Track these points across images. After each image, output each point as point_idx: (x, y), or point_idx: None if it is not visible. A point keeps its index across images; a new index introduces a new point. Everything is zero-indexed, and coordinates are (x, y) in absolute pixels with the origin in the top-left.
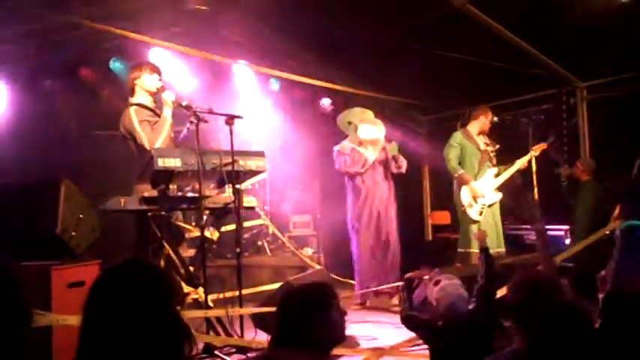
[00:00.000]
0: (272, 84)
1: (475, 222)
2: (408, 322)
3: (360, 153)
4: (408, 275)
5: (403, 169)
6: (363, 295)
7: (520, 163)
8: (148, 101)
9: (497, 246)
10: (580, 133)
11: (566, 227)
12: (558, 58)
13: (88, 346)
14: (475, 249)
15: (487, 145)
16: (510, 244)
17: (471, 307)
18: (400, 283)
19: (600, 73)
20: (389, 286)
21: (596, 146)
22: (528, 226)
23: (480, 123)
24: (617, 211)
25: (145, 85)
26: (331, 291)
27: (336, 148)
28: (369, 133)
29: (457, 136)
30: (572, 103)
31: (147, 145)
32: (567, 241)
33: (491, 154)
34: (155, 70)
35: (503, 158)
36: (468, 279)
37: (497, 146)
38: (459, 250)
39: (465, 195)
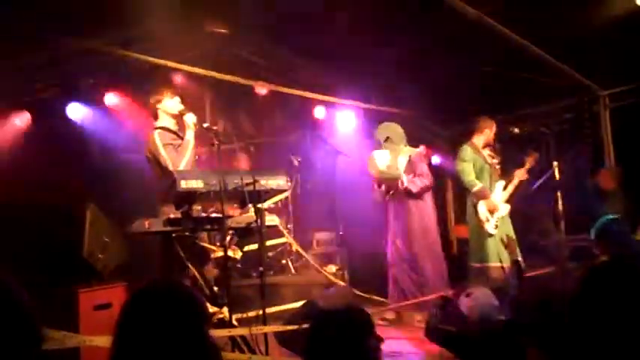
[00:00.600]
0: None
1: (491, 236)
2: (437, 334)
3: (378, 190)
4: (448, 294)
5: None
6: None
7: (520, 174)
8: (171, 124)
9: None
10: (604, 142)
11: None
12: (579, 67)
13: None
14: (493, 262)
15: (492, 157)
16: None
17: (503, 317)
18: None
19: (622, 81)
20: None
21: (620, 154)
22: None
23: (485, 136)
24: None
25: (167, 108)
26: (368, 317)
27: (373, 154)
28: (381, 159)
29: (467, 151)
30: (595, 111)
31: (171, 168)
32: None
33: (496, 167)
34: (176, 93)
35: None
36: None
37: (500, 158)
38: (473, 264)
39: (482, 209)
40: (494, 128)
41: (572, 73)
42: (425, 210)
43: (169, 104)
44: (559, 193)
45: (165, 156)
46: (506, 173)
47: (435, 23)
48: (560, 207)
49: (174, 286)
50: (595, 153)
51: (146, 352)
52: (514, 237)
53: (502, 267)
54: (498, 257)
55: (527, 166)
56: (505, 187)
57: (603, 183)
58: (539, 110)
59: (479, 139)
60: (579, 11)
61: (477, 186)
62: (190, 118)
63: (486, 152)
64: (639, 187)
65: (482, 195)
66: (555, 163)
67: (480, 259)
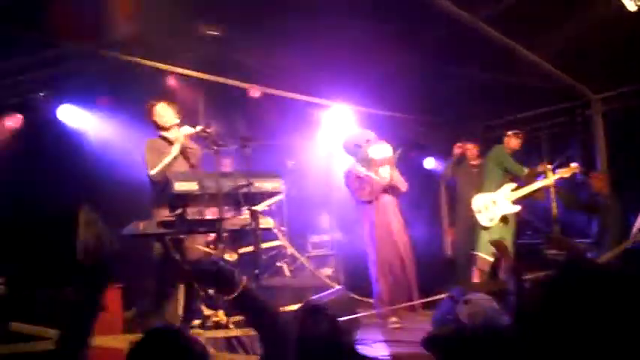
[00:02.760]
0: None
1: (485, 228)
2: (435, 343)
3: (371, 178)
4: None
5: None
6: (383, 313)
7: (543, 183)
8: (166, 132)
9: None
10: (597, 146)
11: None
12: (571, 72)
13: None
14: (482, 253)
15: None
16: (529, 259)
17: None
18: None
19: (614, 85)
20: (410, 304)
21: (612, 158)
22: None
23: (508, 143)
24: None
25: (160, 119)
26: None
27: (345, 171)
28: (381, 152)
29: (501, 149)
30: (587, 115)
31: (148, 170)
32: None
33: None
34: (170, 104)
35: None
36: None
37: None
38: (460, 254)
39: (477, 202)
40: (511, 142)
41: (564, 78)
42: (399, 211)
43: (162, 114)
44: (553, 197)
45: (147, 161)
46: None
47: (429, 27)
48: (555, 210)
49: (176, 336)
50: (587, 157)
51: None
52: (510, 238)
53: (490, 261)
54: (489, 250)
55: (564, 174)
56: (516, 189)
57: (596, 186)
58: (532, 114)
59: (507, 144)
60: (572, 15)
61: (525, 170)
62: (183, 131)
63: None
64: (632, 190)
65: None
66: (549, 167)
67: (471, 248)
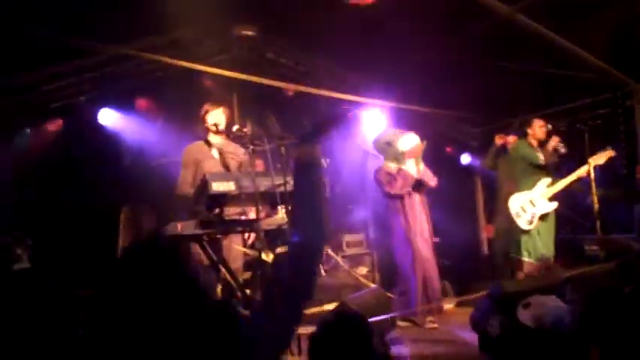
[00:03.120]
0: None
1: (525, 232)
2: (500, 346)
3: (405, 172)
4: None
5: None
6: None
7: (578, 173)
8: (213, 137)
9: (547, 251)
10: (638, 136)
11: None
12: (612, 61)
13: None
14: (526, 258)
15: (549, 155)
16: (567, 254)
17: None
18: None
19: None
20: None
21: None
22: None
23: (531, 133)
24: None
25: (213, 124)
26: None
27: (376, 168)
28: (409, 142)
29: (521, 142)
30: (629, 105)
31: (177, 189)
32: None
33: (555, 164)
34: (216, 104)
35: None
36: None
37: (563, 151)
38: (511, 254)
39: (514, 205)
40: (537, 126)
41: (605, 68)
42: (428, 209)
43: (217, 119)
44: (594, 190)
45: (180, 177)
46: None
47: (467, 21)
48: (596, 205)
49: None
50: (629, 148)
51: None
52: (551, 236)
53: (532, 263)
54: (531, 253)
55: (598, 160)
56: (552, 184)
57: None
58: (573, 106)
59: (530, 137)
60: (612, 5)
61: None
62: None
63: (539, 150)
64: None
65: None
66: (590, 161)
67: (516, 251)
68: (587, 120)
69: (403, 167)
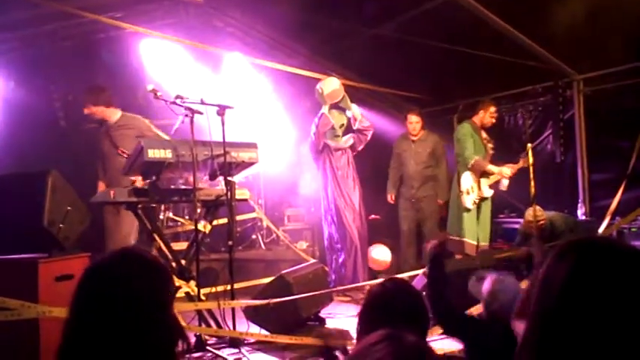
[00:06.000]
0: None
1: (468, 210)
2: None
3: (325, 116)
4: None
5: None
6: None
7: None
8: None
9: (483, 240)
10: (576, 126)
11: None
12: (555, 51)
13: (75, 341)
14: (468, 239)
15: (487, 141)
16: (505, 238)
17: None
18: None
19: (597, 66)
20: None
21: (592, 139)
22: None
23: (478, 117)
24: None
25: None
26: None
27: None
28: (330, 85)
29: (467, 127)
30: (569, 95)
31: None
32: None
33: (490, 151)
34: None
35: (500, 151)
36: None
37: (493, 143)
38: (450, 237)
39: (466, 181)
40: (488, 111)
41: (547, 56)
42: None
43: None
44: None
45: None
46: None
47: (413, 2)
48: (533, 189)
49: (137, 254)
50: (566, 137)
51: (104, 323)
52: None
53: (477, 245)
54: (475, 235)
55: (520, 165)
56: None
57: None
58: (514, 93)
59: (477, 119)
60: None
61: (474, 158)
62: None
63: (483, 134)
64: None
65: (481, 166)
66: (529, 146)
67: (458, 233)
68: (526, 107)
69: (325, 112)
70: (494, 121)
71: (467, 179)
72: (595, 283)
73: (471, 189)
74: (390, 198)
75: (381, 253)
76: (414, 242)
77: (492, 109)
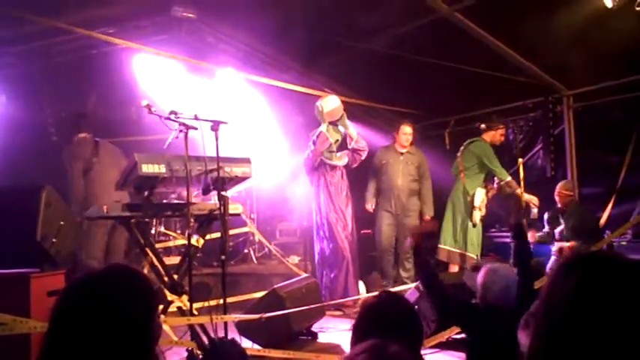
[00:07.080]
0: None
1: (474, 225)
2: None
3: (323, 134)
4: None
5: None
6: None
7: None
8: None
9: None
10: (566, 141)
11: None
12: (545, 67)
13: (50, 354)
14: (470, 253)
15: None
16: (497, 252)
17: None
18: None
19: (587, 81)
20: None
21: (581, 154)
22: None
23: (489, 135)
24: None
25: None
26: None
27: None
28: (330, 103)
29: (488, 145)
30: (559, 110)
31: None
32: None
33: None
34: None
35: None
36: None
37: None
38: (451, 249)
39: (479, 197)
40: (499, 131)
41: (538, 73)
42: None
43: None
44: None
45: None
46: None
47: (406, 18)
48: (524, 204)
49: (123, 270)
50: (557, 152)
51: (83, 338)
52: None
53: (473, 257)
54: (477, 250)
55: (490, 195)
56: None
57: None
58: (505, 108)
59: (487, 137)
60: (548, 10)
61: (508, 177)
62: None
63: None
64: (600, 187)
65: (511, 187)
66: (520, 160)
67: (460, 246)
68: (517, 122)
69: (323, 130)
70: (502, 140)
71: (480, 195)
72: (601, 297)
73: (483, 205)
74: (370, 207)
75: None
76: (393, 253)
77: (503, 130)
